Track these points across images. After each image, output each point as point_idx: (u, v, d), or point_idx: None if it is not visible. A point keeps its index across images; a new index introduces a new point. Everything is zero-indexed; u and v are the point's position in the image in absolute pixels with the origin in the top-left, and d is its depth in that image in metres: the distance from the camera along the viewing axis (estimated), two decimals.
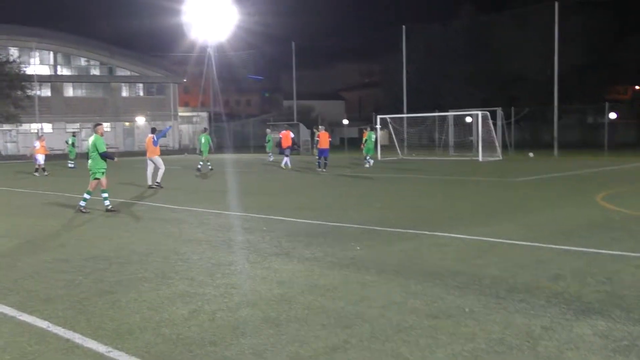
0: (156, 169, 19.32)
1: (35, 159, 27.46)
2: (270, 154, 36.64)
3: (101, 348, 4.85)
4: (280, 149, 30.70)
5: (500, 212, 12.44)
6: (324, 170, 25.45)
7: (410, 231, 10.02)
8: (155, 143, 19.16)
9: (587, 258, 7.71)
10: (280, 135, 30.97)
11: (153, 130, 19.92)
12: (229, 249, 8.93)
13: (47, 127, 61.16)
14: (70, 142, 33.40)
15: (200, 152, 27.37)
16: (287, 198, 16.36)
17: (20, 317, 5.73)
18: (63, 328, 5.37)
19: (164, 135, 21.10)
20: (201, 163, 27.15)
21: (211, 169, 27.53)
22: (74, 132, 38.79)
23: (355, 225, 10.72)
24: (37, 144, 27.83)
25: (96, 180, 13.49)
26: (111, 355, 4.69)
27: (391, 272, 7.18)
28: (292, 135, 30.76)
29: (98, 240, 9.88)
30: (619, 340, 4.76)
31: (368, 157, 29.33)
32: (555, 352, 4.54)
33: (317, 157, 27.91)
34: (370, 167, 27.95)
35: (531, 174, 22.46)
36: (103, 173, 13.42)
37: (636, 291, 6.14)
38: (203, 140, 27.00)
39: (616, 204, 13.01)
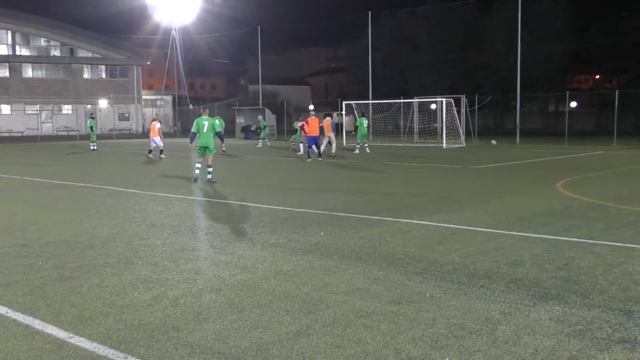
0: (329, 143, 25.69)
1: (154, 142, 25.84)
2: (294, 143, 30.81)
3: (62, 334, 4.80)
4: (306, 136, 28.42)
5: (462, 199, 12.60)
6: (320, 158, 23.82)
7: (374, 217, 10.10)
8: (332, 124, 26.11)
9: (545, 245, 7.89)
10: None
11: (330, 115, 27.32)
12: (193, 235, 8.90)
13: (6, 109, 59.68)
14: (89, 124, 34.19)
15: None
16: (252, 183, 16.32)
17: None
18: (22, 314, 5.30)
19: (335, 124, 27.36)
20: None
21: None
22: (92, 115, 38.69)
23: (320, 212, 10.76)
24: (158, 125, 25.92)
25: (204, 157, 15.81)
26: (72, 341, 4.65)
27: (354, 258, 7.25)
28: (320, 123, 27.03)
29: (58, 225, 9.73)
30: (573, 325, 4.90)
31: (363, 144, 29.08)
32: (512, 337, 4.65)
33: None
34: (358, 154, 27.32)
35: (493, 161, 22.79)
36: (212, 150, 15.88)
37: (591, 277, 6.32)
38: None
39: (575, 191, 13.31)
